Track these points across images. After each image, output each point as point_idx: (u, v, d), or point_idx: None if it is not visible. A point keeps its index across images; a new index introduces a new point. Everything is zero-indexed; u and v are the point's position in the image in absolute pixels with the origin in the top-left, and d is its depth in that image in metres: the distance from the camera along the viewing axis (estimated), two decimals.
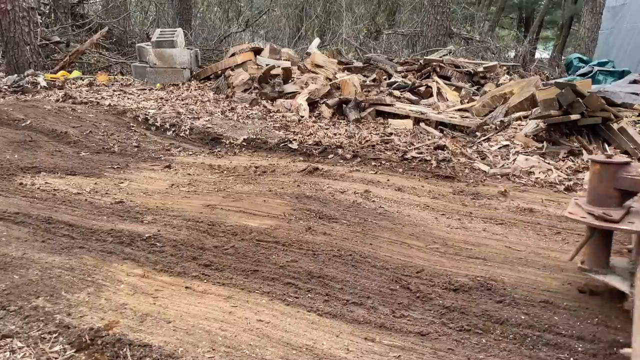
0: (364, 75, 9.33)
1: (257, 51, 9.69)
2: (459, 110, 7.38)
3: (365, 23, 16.58)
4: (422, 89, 8.34)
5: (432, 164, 5.18)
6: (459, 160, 5.35)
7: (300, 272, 2.75)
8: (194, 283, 2.62)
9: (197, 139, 6.12)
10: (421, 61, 9.50)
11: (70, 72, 9.37)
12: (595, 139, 5.58)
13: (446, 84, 8.61)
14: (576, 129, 5.61)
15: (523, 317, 2.39)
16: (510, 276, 2.83)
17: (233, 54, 9.61)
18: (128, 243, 3.05)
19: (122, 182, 4.32)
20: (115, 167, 4.83)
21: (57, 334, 2.11)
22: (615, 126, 5.55)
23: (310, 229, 3.35)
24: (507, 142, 5.81)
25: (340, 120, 7.17)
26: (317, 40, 11.34)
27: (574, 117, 5.41)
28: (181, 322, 2.25)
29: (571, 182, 4.72)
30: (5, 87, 8.06)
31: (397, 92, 8.03)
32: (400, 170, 5.02)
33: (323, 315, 2.37)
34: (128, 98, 7.78)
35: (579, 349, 2.17)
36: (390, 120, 6.97)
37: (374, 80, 8.99)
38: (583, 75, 9.88)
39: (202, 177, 4.66)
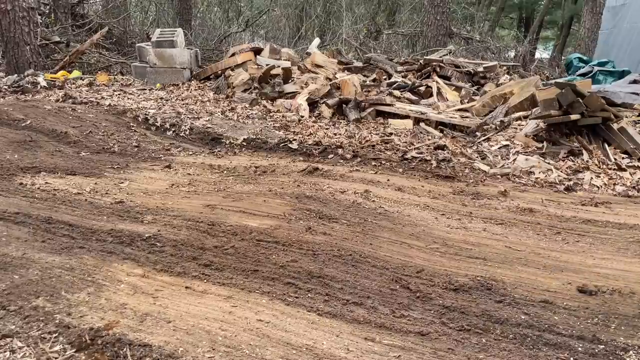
0: (364, 75, 9.33)
1: (257, 51, 9.69)
2: (459, 110, 7.38)
3: (365, 23, 16.58)
4: (422, 89, 8.34)
5: (432, 164, 5.18)
6: (459, 160, 5.36)
7: (300, 272, 2.75)
8: (194, 283, 2.62)
9: (197, 139, 6.12)
10: (421, 61, 9.50)
11: (70, 72, 9.37)
12: (595, 139, 5.58)
13: (446, 84, 8.61)
14: (576, 129, 5.61)
15: (523, 317, 2.39)
16: (510, 276, 2.83)
17: (233, 54, 9.61)
18: (128, 243, 3.05)
19: (122, 182, 4.32)
20: (115, 167, 4.83)
21: (57, 334, 2.11)
22: (615, 126, 5.55)
23: (310, 229, 3.35)
24: (507, 142, 5.81)
25: (340, 120, 7.17)
26: (317, 40, 11.34)
27: (574, 117, 5.41)
28: (181, 322, 2.25)
29: (571, 182, 4.72)
30: (5, 87, 8.05)
31: (397, 92, 8.03)
32: (400, 170, 5.02)
33: (323, 315, 2.37)
34: (128, 98, 7.78)
35: (579, 349, 2.17)
36: (390, 120, 6.97)
37: (374, 80, 8.99)
38: (583, 75, 9.88)
39: (202, 177, 4.66)
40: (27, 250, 2.88)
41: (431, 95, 8.24)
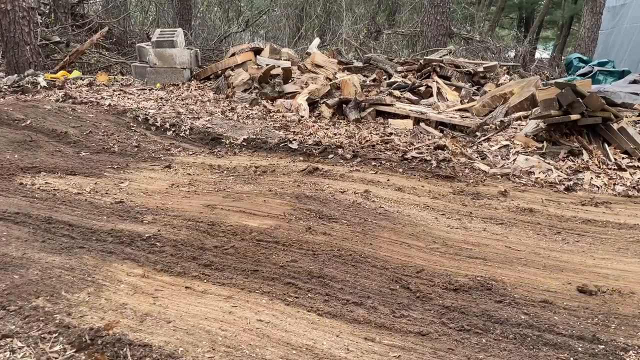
0: (364, 75, 9.33)
1: (257, 51, 9.69)
2: (459, 110, 7.38)
3: (365, 23, 16.58)
4: (422, 89, 8.34)
5: (432, 164, 5.18)
6: (459, 160, 5.36)
7: (300, 272, 2.75)
8: (194, 283, 2.62)
9: (197, 139, 6.12)
10: (421, 61, 9.50)
11: (70, 72, 9.37)
12: (595, 139, 5.58)
13: (446, 84, 8.61)
14: (576, 129, 5.61)
15: (523, 317, 2.39)
16: (510, 276, 2.83)
17: (233, 54, 9.61)
18: (128, 243, 3.05)
19: (122, 182, 4.32)
20: (115, 167, 4.83)
21: (57, 334, 2.11)
22: (615, 126, 5.55)
23: (310, 229, 3.35)
24: (507, 142, 5.81)
25: (340, 120, 7.17)
26: (317, 40, 11.34)
27: (574, 117, 5.41)
28: (181, 322, 2.25)
29: (571, 182, 4.72)
30: (5, 87, 8.06)
31: (397, 92, 8.03)
32: (400, 170, 5.02)
33: (323, 315, 2.37)
34: (128, 98, 7.78)
35: (579, 349, 2.17)
36: (390, 120, 6.97)
37: (374, 80, 8.99)
38: (583, 75, 9.89)
39: (202, 177, 4.66)
40: (27, 250, 2.88)
41: (431, 95, 8.24)
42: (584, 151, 5.37)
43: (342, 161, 5.27)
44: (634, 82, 8.06)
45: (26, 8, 8.97)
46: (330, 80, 8.29)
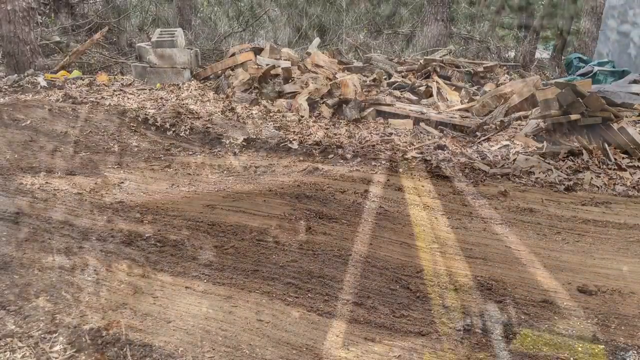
0: (364, 75, 9.33)
1: (257, 51, 9.69)
2: (459, 110, 7.38)
3: (365, 23, 16.59)
4: (422, 89, 8.34)
5: (432, 164, 5.18)
6: (459, 160, 5.36)
7: (300, 272, 2.75)
8: (194, 283, 2.62)
9: (197, 139, 6.12)
10: (421, 61, 9.50)
11: (70, 72, 9.37)
12: (595, 139, 5.58)
13: (446, 83, 8.61)
14: (576, 129, 5.61)
15: (523, 317, 2.39)
16: (510, 276, 2.83)
17: (233, 54, 9.61)
18: (128, 243, 3.05)
19: (122, 182, 4.32)
20: (115, 167, 4.83)
21: (57, 334, 2.11)
22: (615, 126, 5.55)
23: (310, 229, 3.35)
24: (507, 142, 5.81)
25: (340, 120, 7.17)
26: (317, 40, 11.33)
27: (574, 117, 5.41)
28: (181, 322, 2.25)
29: (571, 182, 4.72)
30: (5, 87, 8.05)
31: (397, 92, 8.03)
32: (400, 170, 5.02)
33: (323, 315, 2.37)
34: (128, 98, 7.78)
35: (579, 349, 2.17)
36: (390, 120, 6.97)
37: (374, 80, 8.98)
38: (583, 75, 9.88)
39: (202, 177, 4.66)
40: (27, 250, 2.88)
41: (431, 95, 8.24)
42: (584, 151, 5.36)
43: (342, 161, 5.27)
44: (634, 82, 8.06)
45: (26, 8, 8.96)
46: (330, 80, 8.29)
